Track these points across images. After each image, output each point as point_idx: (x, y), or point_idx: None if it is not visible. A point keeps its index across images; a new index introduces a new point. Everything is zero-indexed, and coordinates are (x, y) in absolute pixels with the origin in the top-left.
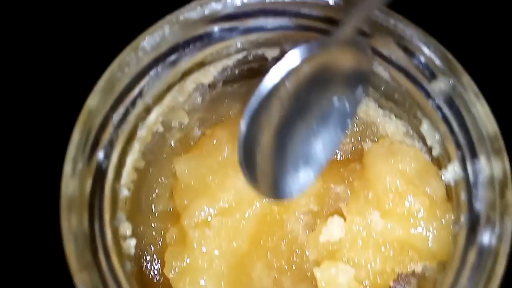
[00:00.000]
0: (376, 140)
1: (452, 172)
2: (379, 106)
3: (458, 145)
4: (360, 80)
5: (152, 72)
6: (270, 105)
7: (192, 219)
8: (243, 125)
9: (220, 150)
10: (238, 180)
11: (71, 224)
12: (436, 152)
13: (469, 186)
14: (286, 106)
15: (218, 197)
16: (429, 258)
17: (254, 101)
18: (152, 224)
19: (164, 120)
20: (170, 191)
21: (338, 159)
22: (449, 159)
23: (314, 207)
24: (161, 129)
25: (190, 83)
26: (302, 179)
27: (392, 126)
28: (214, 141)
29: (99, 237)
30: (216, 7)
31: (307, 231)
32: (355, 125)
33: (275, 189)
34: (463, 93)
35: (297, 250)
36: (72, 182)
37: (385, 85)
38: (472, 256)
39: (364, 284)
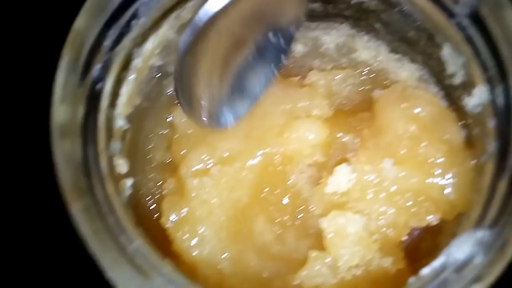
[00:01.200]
0: (387, 87)
1: (477, 97)
2: (391, 51)
3: (484, 67)
4: (295, 16)
5: None
6: (206, 36)
7: (190, 168)
8: (179, 53)
9: None
10: (239, 129)
11: (64, 151)
12: (459, 79)
13: (497, 110)
14: (223, 37)
15: (218, 146)
16: (446, 209)
17: (190, 31)
18: (149, 175)
19: (161, 56)
20: (168, 141)
21: (345, 109)
22: (473, 85)
23: (319, 158)
24: (157, 63)
25: (187, 13)
26: (238, 109)
27: (405, 71)
28: None
29: (93, 164)
30: None
31: (311, 185)
32: (363, 73)
33: (211, 118)
34: (490, 4)
35: (300, 205)
36: (63, 107)
37: (397, 22)
38: (502, 185)
39: (374, 238)
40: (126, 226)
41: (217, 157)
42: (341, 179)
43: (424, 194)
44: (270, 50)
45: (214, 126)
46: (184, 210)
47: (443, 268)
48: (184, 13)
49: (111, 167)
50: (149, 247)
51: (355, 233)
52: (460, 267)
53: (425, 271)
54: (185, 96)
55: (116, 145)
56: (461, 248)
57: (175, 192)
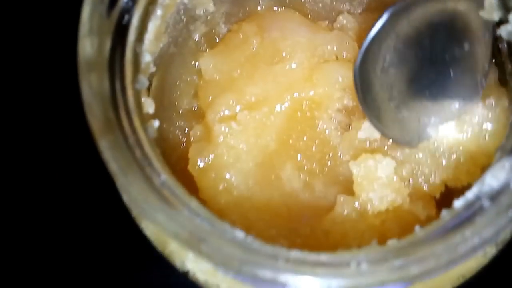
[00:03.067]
0: None
1: None
2: None
3: None
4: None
5: None
6: (387, 48)
7: (217, 114)
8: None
9: (248, 44)
10: (267, 74)
11: (92, 85)
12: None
13: None
14: (408, 51)
15: (245, 91)
16: (485, 162)
17: (368, 41)
18: (176, 122)
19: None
20: (195, 89)
21: None
22: (508, 9)
23: (349, 102)
24: (185, 1)
25: None
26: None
27: None
28: (241, 36)
29: (120, 98)
30: None
31: (341, 131)
32: None
33: (401, 134)
34: None
35: (329, 152)
36: (90, 40)
37: None
38: None
39: (406, 183)
40: (154, 160)
41: (244, 103)
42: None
43: (464, 151)
44: (465, 63)
45: (405, 143)
46: (211, 157)
47: (477, 198)
48: None
49: (138, 103)
50: (176, 182)
51: (386, 176)
52: (496, 195)
53: (459, 203)
54: (372, 110)
55: (143, 80)
56: (496, 176)
57: (202, 139)
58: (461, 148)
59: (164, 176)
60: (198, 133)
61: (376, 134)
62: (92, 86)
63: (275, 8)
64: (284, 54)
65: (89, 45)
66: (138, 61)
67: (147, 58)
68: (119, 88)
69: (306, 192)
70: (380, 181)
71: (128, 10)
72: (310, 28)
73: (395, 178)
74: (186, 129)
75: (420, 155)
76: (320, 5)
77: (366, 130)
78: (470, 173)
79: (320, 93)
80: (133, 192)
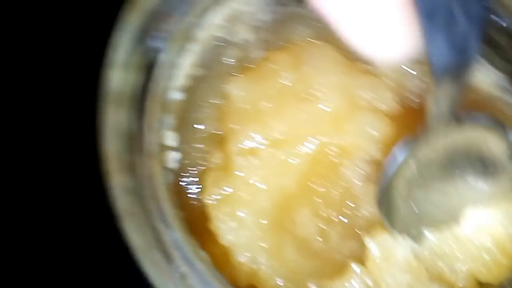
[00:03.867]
0: None
1: None
2: None
3: None
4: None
5: None
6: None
7: (239, 145)
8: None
9: (280, 76)
10: (296, 111)
11: (112, 120)
12: None
13: None
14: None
15: (272, 126)
16: None
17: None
18: (196, 145)
19: (225, 29)
20: (220, 113)
21: (415, 107)
22: None
23: (379, 156)
24: (220, 35)
25: None
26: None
27: (484, 75)
28: (275, 66)
29: (140, 137)
30: None
31: (365, 182)
32: None
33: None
34: None
35: (350, 201)
36: (120, 73)
37: None
38: None
39: (426, 268)
40: (166, 211)
41: (269, 138)
42: None
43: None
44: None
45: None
46: (227, 189)
47: None
48: None
49: (160, 142)
50: (186, 239)
51: (405, 258)
52: None
53: None
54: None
55: (168, 118)
56: None
57: (221, 168)
58: (491, 236)
59: (175, 233)
60: (217, 161)
61: None
62: (112, 122)
63: (313, 40)
64: (316, 93)
65: (118, 78)
66: (166, 99)
67: (175, 95)
68: (141, 127)
69: (320, 241)
70: (398, 264)
71: (161, 47)
72: (346, 68)
73: (415, 262)
74: (206, 154)
75: (445, 238)
76: None
77: None
78: (504, 267)
79: (349, 141)
80: (136, 241)
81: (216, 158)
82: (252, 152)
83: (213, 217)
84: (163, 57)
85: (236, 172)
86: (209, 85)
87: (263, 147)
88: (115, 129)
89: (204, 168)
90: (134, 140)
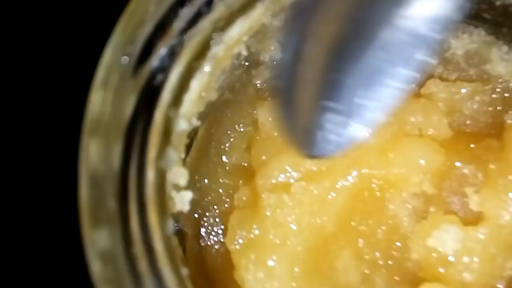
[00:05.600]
0: None
1: None
2: None
3: None
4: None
5: None
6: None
7: (269, 180)
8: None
9: None
10: None
11: (93, 156)
12: None
13: None
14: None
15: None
16: None
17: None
18: (218, 180)
19: (250, 46)
20: (248, 142)
21: (468, 132)
22: None
23: (429, 188)
24: (244, 53)
25: None
26: (349, 132)
27: None
28: None
29: (134, 180)
30: None
31: (414, 220)
32: (496, 90)
33: (309, 140)
34: None
35: (397, 241)
36: (103, 96)
37: None
38: None
39: None
40: (164, 277)
41: (303, 171)
42: (447, 238)
43: None
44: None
45: (311, 152)
46: (254, 231)
47: None
48: None
49: (160, 187)
50: None
51: None
52: None
53: None
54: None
55: (175, 152)
56: None
57: (247, 206)
58: None
59: None
60: (243, 198)
61: (449, 249)
62: (93, 159)
63: None
64: None
65: (102, 101)
66: (170, 129)
67: (182, 126)
68: (135, 167)
69: None
70: None
71: (164, 68)
72: None
73: None
74: (230, 189)
75: None
76: None
77: (437, 240)
78: None
79: (395, 173)
80: None
81: (241, 194)
82: (284, 187)
83: (238, 265)
84: (164, 79)
85: (264, 212)
86: (233, 111)
87: (296, 181)
88: (96, 168)
89: (227, 206)
90: (123, 182)
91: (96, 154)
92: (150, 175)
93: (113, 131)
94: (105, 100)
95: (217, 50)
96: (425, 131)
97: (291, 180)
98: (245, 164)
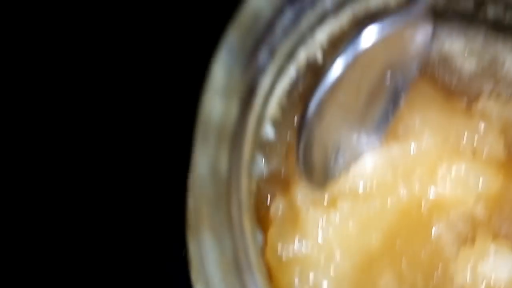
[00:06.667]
0: None
1: None
2: None
3: None
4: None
5: None
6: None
7: (310, 193)
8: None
9: None
10: (383, 152)
11: (208, 163)
12: None
13: None
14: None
15: (354, 172)
16: None
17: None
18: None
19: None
20: (287, 147)
21: None
22: None
23: (480, 212)
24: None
25: None
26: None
27: None
28: None
29: (235, 187)
30: None
31: (459, 244)
32: None
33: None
34: None
35: (439, 265)
36: (220, 102)
37: None
38: None
39: None
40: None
41: (349, 186)
42: (499, 265)
43: None
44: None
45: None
46: (296, 246)
47: None
48: None
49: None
50: None
51: None
52: None
53: None
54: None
55: (260, 159)
56: None
57: (286, 219)
58: None
59: None
60: (280, 209)
61: (503, 277)
62: (208, 163)
63: None
64: (410, 135)
65: (219, 107)
66: (259, 133)
67: (268, 130)
68: (235, 173)
69: None
70: None
71: (263, 70)
72: (444, 106)
73: None
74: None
75: None
76: (457, 77)
77: (486, 265)
78: None
79: (446, 194)
80: None
81: (278, 204)
82: (331, 203)
83: (279, 280)
84: (261, 80)
85: (308, 227)
86: None
87: (341, 196)
88: (210, 174)
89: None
90: (229, 189)
91: (212, 157)
92: (244, 182)
93: (223, 135)
94: (218, 104)
95: (301, 55)
96: (480, 151)
97: (336, 195)
98: (283, 172)
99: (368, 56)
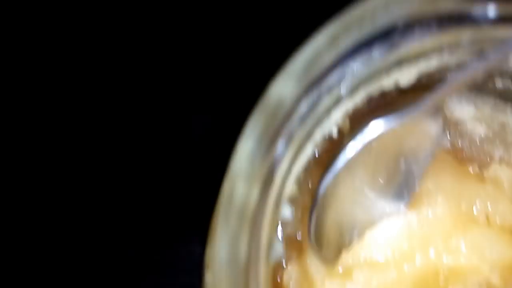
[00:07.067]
0: None
1: None
2: None
3: None
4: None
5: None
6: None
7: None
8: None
9: None
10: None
11: (228, 245)
12: None
13: None
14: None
15: (369, 242)
16: None
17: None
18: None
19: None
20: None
21: None
22: None
23: (496, 280)
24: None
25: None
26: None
27: None
28: None
29: (253, 274)
30: None
31: None
32: None
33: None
34: None
35: None
36: (243, 186)
37: None
38: None
39: None
40: None
41: (364, 255)
42: None
43: None
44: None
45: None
46: None
47: None
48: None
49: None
50: None
51: None
52: None
53: None
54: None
55: (278, 243)
56: None
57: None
58: None
59: None
60: (292, 278)
61: None
62: (228, 247)
63: None
64: (424, 202)
65: (241, 192)
66: (277, 214)
67: (286, 211)
68: (254, 256)
69: None
70: None
71: (283, 153)
72: (457, 171)
73: None
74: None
75: None
76: (468, 142)
77: None
78: None
79: (462, 262)
80: None
81: (290, 273)
82: (346, 273)
83: None
84: (282, 165)
85: None
86: None
87: (355, 266)
88: (230, 256)
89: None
90: (247, 272)
91: (225, 242)
92: (262, 264)
93: (244, 219)
94: (241, 188)
95: (318, 135)
96: (493, 218)
97: (350, 265)
98: (298, 236)
99: (380, 144)
